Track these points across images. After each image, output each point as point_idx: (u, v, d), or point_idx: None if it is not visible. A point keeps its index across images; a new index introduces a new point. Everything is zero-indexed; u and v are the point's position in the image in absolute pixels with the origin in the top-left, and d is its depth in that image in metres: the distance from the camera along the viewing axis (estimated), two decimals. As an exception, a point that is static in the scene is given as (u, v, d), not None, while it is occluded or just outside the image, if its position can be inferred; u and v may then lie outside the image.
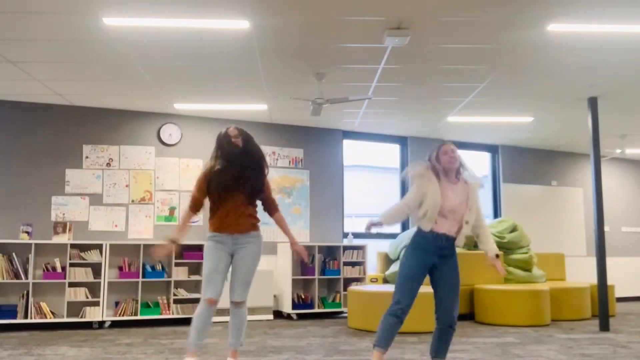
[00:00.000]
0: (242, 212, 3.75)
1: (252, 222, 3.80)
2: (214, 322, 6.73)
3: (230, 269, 3.79)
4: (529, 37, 4.85)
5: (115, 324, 6.55)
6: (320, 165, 8.17)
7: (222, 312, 6.82)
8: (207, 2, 4.19)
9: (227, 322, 6.73)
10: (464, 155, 3.75)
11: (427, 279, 3.65)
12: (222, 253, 3.72)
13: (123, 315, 6.56)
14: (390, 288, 6.66)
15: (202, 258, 6.81)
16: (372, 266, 8.02)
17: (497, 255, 3.73)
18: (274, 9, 4.33)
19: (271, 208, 3.95)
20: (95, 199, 7.00)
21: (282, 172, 7.90)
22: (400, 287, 3.56)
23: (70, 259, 6.40)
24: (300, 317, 7.31)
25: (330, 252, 7.78)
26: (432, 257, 3.58)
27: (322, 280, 7.65)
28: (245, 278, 3.75)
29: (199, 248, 6.94)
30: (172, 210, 7.28)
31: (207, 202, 3.86)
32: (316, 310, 7.40)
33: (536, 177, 9.69)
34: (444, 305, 3.58)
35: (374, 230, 3.71)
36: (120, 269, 6.71)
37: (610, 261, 6.98)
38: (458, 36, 4.87)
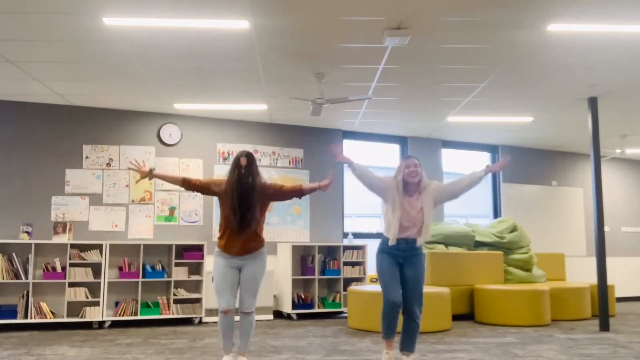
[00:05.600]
0: (241, 238, 3.94)
1: (251, 246, 3.99)
2: (214, 322, 6.76)
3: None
4: (529, 37, 4.85)
5: (115, 324, 6.55)
6: (320, 165, 8.15)
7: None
8: (207, 2, 4.19)
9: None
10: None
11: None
12: (229, 269, 3.97)
13: (123, 315, 6.56)
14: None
15: (202, 258, 6.92)
16: (372, 266, 7.99)
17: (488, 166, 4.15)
18: (274, 9, 4.33)
19: (295, 195, 4.08)
20: (95, 199, 7.00)
21: (282, 172, 7.90)
22: (385, 287, 4.02)
23: (70, 259, 6.40)
24: (300, 317, 7.31)
25: (330, 252, 7.77)
26: (396, 258, 4.06)
27: (322, 280, 7.65)
28: (252, 290, 4.01)
29: (199, 248, 6.95)
30: (172, 210, 7.27)
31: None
32: (316, 310, 7.40)
33: (536, 177, 9.69)
34: (407, 301, 4.01)
35: (343, 160, 4.06)
36: (120, 269, 6.71)
37: (610, 261, 6.97)
38: (458, 36, 4.87)
